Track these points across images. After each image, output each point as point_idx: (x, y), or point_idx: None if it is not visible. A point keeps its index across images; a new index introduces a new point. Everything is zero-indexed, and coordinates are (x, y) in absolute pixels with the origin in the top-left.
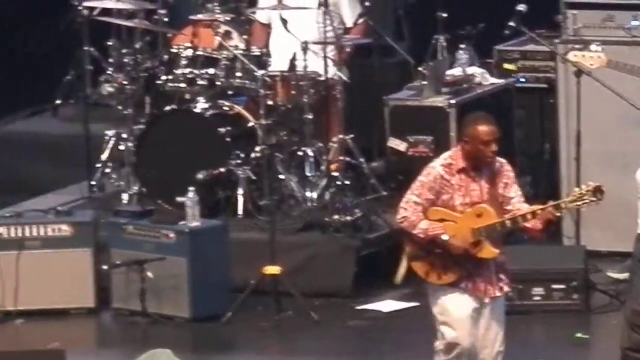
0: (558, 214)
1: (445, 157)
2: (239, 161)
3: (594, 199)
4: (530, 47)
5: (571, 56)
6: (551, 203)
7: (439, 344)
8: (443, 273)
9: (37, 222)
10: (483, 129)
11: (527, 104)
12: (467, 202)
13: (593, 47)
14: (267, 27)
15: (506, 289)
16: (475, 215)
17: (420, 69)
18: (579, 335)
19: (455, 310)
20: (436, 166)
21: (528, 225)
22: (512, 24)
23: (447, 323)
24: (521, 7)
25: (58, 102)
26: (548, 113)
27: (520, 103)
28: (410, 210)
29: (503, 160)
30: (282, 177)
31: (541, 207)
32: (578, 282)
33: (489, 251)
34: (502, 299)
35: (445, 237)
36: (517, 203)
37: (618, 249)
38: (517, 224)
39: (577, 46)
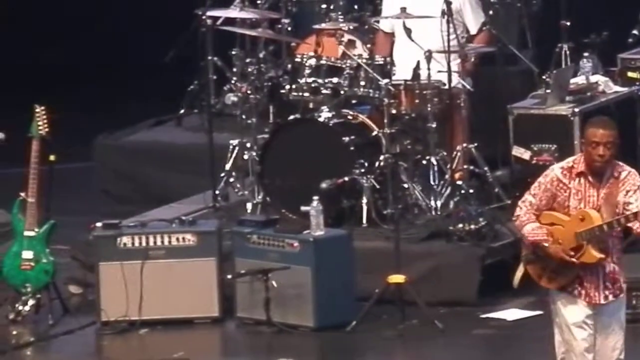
0: None
1: (568, 160)
2: (362, 170)
3: None
4: None
5: None
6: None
7: (558, 348)
8: (554, 277)
9: (161, 231)
10: (593, 130)
11: None
12: (582, 206)
13: None
14: (391, 35)
15: (611, 297)
16: (578, 219)
17: (544, 77)
18: None
19: (567, 314)
20: (555, 168)
21: (635, 228)
22: (635, 32)
23: (562, 327)
24: None
25: (182, 111)
26: None
27: None
28: (523, 210)
29: (632, 170)
30: (405, 185)
31: (633, 212)
32: None
33: (590, 255)
34: (617, 306)
35: (545, 244)
36: (635, 209)
37: None
38: (616, 226)
39: None
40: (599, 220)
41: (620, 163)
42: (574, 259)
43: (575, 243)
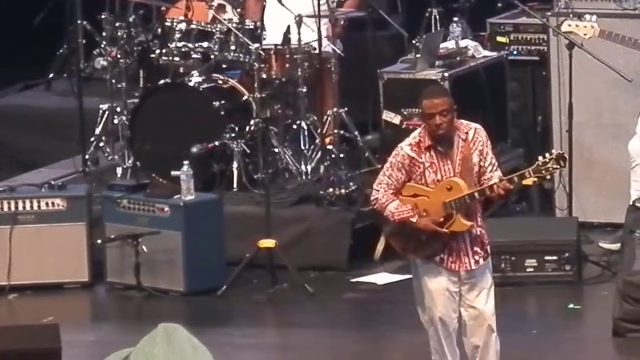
0: (525, 183)
1: (414, 136)
2: (233, 134)
3: (557, 166)
4: (523, 20)
5: (565, 26)
6: (516, 173)
7: (422, 317)
8: (418, 248)
9: (30, 196)
10: (426, 102)
11: (520, 76)
12: (439, 178)
13: (587, 16)
14: (261, 0)
15: (482, 262)
16: (445, 188)
17: (413, 41)
18: (571, 306)
19: (430, 282)
20: (403, 146)
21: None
22: None
23: (425, 295)
24: None
25: (51, 75)
26: (540, 85)
27: (513, 75)
28: (381, 192)
29: (476, 126)
30: (276, 150)
31: (507, 177)
32: (570, 254)
33: (460, 224)
34: (485, 268)
35: (413, 219)
36: (489, 172)
37: (610, 220)
38: (485, 194)
39: (570, 16)
40: (467, 188)
41: (463, 122)
42: (445, 230)
43: (444, 212)
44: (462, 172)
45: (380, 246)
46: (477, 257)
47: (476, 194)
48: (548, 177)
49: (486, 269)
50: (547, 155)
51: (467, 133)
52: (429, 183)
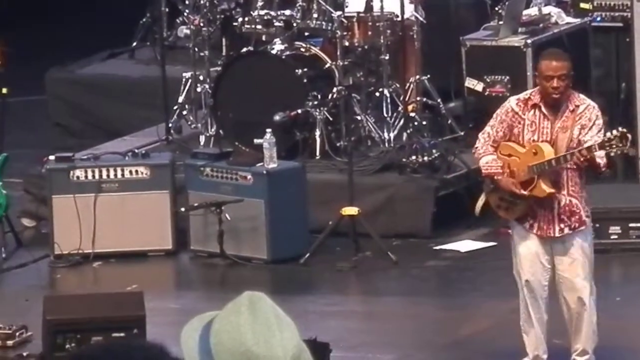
0: (595, 154)
1: (526, 93)
2: (315, 102)
3: (620, 144)
4: None
5: None
6: (585, 146)
7: (517, 280)
8: (510, 207)
9: (114, 164)
10: (546, 63)
11: (603, 43)
12: (535, 138)
13: None
14: None
15: (567, 231)
16: (532, 152)
17: (496, 8)
18: None
19: (519, 245)
20: (511, 100)
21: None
22: None
23: (515, 257)
24: None
25: (134, 44)
26: (624, 52)
27: (596, 42)
28: (481, 142)
29: (590, 103)
30: (358, 117)
31: (578, 149)
32: None
33: (540, 189)
34: (577, 237)
35: (497, 177)
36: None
37: None
38: (562, 162)
39: None
40: (551, 154)
41: (579, 95)
42: (523, 192)
43: (528, 176)
44: (558, 139)
45: (480, 202)
46: (562, 225)
47: (554, 162)
48: (612, 153)
49: (579, 238)
50: (614, 131)
51: (577, 106)
52: (526, 142)
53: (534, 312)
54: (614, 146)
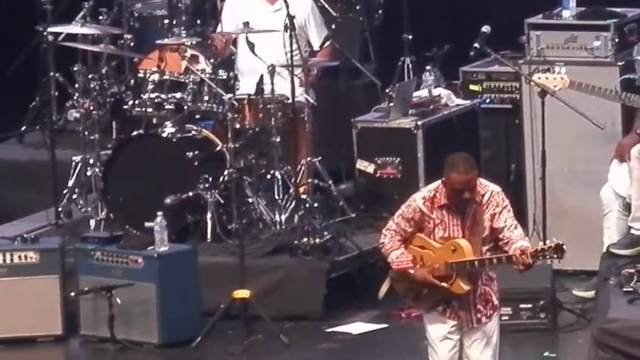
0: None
1: (430, 189)
2: (207, 185)
3: (555, 255)
4: (495, 68)
5: (535, 78)
6: (507, 254)
7: None
8: (418, 298)
9: (3, 249)
10: (456, 177)
11: (493, 124)
12: (446, 236)
13: (556, 68)
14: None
15: (484, 319)
16: (450, 248)
17: (387, 90)
18: (546, 354)
19: (432, 329)
20: (417, 198)
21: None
22: (476, 45)
23: (428, 342)
24: (485, 29)
25: (24, 128)
26: (513, 133)
27: (486, 124)
28: (387, 237)
29: (494, 189)
30: (250, 200)
31: (500, 255)
32: (545, 301)
33: (459, 287)
34: (490, 324)
35: (411, 270)
36: (507, 231)
37: (584, 268)
38: (484, 265)
39: (541, 67)
40: (471, 253)
41: (482, 182)
42: (444, 284)
43: (445, 272)
44: (470, 235)
45: (385, 287)
46: (479, 315)
47: (477, 263)
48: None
49: (491, 324)
50: (548, 242)
51: (482, 195)
52: (437, 239)
53: None
54: (547, 257)
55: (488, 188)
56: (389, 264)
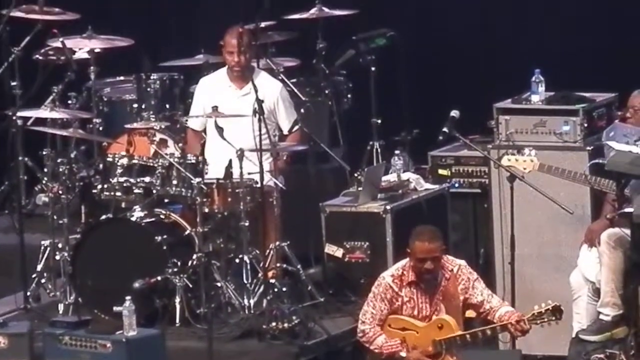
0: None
1: (397, 267)
2: (175, 269)
3: (553, 318)
4: (464, 152)
5: (504, 160)
6: (512, 320)
7: None
8: None
9: None
10: (419, 245)
11: (462, 208)
12: (415, 314)
13: (526, 150)
14: (200, 133)
15: None
16: (436, 326)
17: (355, 174)
18: None
19: None
20: (386, 276)
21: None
22: (445, 129)
23: None
24: (454, 113)
25: None
26: (482, 217)
27: (455, 208)
28: (367, 324)
29: (460, 263)
30: (219, 284)
31: (500, 324)
32: None
33: None
34: None
35: (402, 354)
36: (487, 304)
37: (553, 353)
38: (477, 338)
39: (510, 150)
40: (458, 328)
41: (449, 258)
42: None
43: (433, 350)
44: (447, 310)
45: None
46: None
47: (468, 336)
48: (541, 326)
49: None
50: (543, 304)
51: (451, 271)
52: (407, 316)
53: None
54: (546, 320)
55: (455, 262)
56: (360, 349)
